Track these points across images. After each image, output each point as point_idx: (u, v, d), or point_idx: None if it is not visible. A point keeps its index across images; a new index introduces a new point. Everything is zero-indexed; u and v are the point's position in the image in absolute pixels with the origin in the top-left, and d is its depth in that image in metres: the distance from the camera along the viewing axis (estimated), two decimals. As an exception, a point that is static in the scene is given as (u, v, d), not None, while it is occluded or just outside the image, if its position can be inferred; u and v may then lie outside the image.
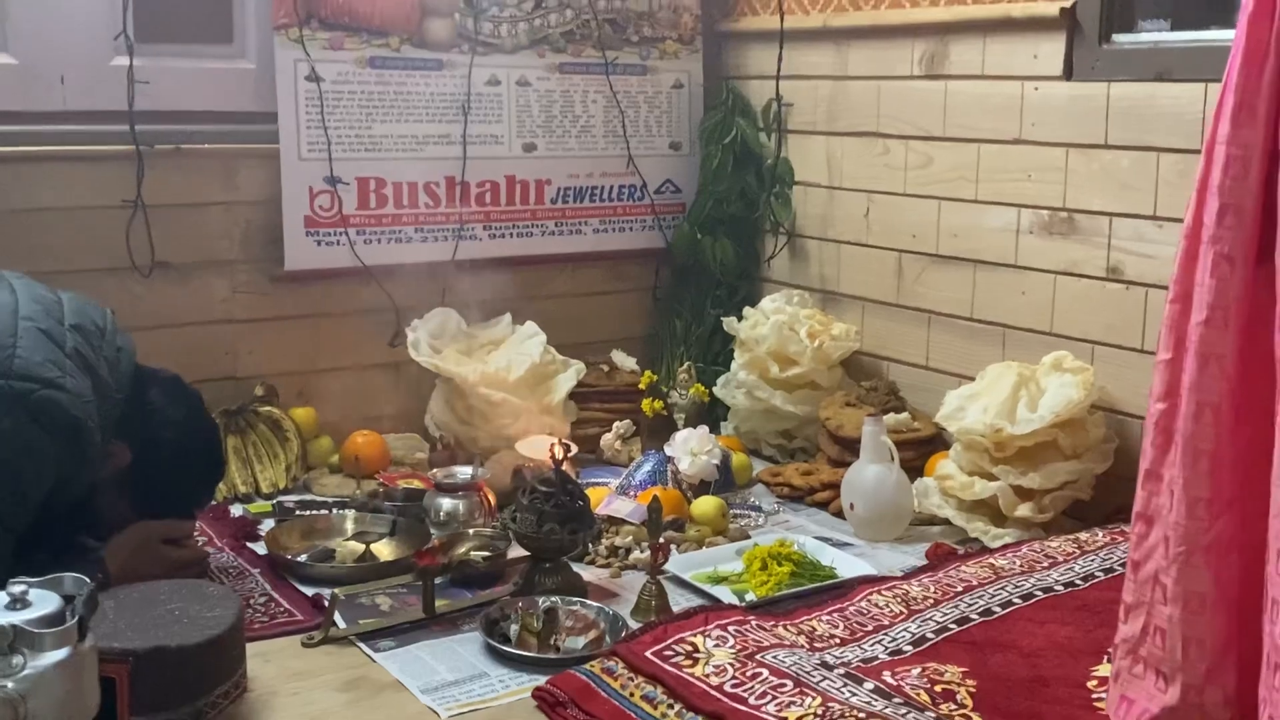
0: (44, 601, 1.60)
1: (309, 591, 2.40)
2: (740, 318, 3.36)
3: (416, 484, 2.94)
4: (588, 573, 2.51)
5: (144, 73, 2.94)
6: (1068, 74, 2.83)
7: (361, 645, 2.20)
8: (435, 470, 2.81)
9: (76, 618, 1.59)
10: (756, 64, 3.61)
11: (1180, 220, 1.68)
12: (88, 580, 1.66)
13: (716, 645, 2.01)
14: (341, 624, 2.25)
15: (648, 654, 1.98)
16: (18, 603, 1.58)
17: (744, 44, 3.67)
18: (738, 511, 2.88)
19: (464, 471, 2.77)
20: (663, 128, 3.65)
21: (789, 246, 3.57)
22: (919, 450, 2.97)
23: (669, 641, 2.02)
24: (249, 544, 2.65)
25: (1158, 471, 1.69)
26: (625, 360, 3.47)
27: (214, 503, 2.89)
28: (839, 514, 2.86)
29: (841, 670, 1.94)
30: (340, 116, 3.16)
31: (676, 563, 2.51)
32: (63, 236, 2.91)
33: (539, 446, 2.92)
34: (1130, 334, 2.76)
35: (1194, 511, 1.62)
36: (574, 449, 2.90)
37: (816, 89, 3.44)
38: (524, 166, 3.44)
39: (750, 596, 2.38)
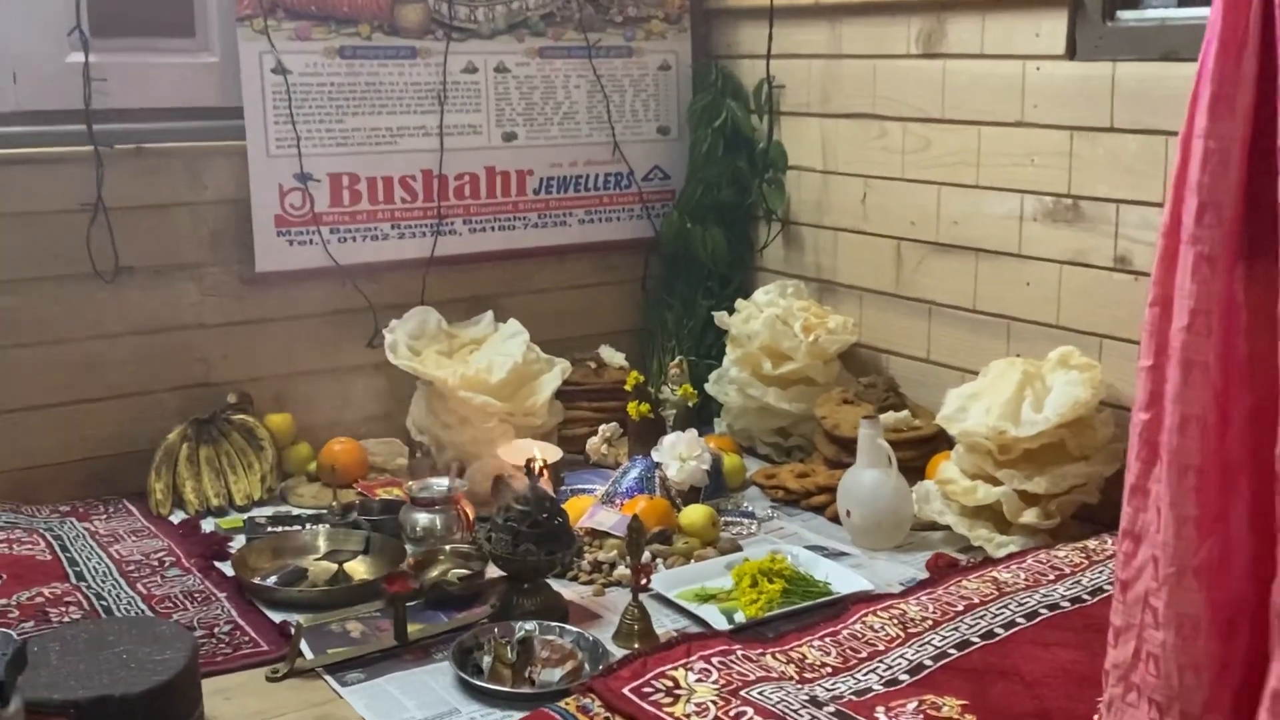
0: (-38, 665, 1.49)
1: (277, 617, 2.29)
2: (732, 310, 3.22)
3: (396, 493, 2.84)
4: (569, 590, 2.39)
5: (101, 69, 2.82)
6: (1071, 53, 2.69)
7: (328, 678, 2.09)
8: (410, 484, 2.69)
9: (-2, 683, 1.48)
10: (747, 43, 3.46)
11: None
12: (13, 636, 1.54)
13: (699, 680, 1.89)
14: (309, 654, 2.14)
15: (625, 691, 1.87)
16: (-67, 667, 1.47)
17: (733, 22, 3.51)
18: (729, 519, 2.75)
19: (440, 484, 2.64)
20: (649, 111, 3.50)
21: (783, 234, 3.43)
22: (920, 450, 2.84)
23: (648, 676, 1.90)
24: (217, 563, 2.54)
25: (1143, 486, 1.58)
26: (614, 356, 3.33)
27: (185, 516, 2.80)
28: (835, 519, 2.73)
29: (832, 709, 1.81)
30: (310, 110, 3.02)
31: (662, 580, 2.38)
32: (20, 243, 2.79)
33: (523, 451, 2.81)
34: (1139, 327, 2.61)
35: (1182, 531, 1.52)
36: (559, 454, 2.79)
37: (809, 68, 3.29)
38: (504, 157, 3.30)
39: (739, 616, 2.26)
